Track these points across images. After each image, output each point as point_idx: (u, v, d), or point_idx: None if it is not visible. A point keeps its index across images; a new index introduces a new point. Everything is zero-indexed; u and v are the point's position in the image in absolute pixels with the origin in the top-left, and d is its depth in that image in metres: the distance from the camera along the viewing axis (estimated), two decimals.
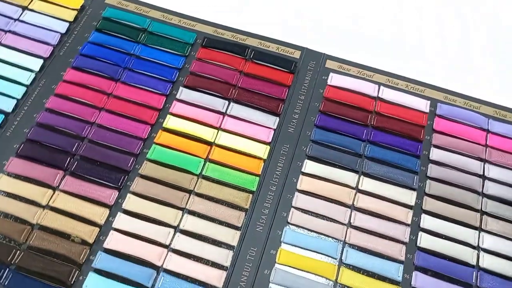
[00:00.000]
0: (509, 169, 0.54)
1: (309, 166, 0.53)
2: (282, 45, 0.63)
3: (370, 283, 0.46)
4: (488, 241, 0.49)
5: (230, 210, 0.50)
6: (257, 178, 0.52)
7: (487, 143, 0.56)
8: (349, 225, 0.50)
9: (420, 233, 0.50)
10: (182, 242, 0.47)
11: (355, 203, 0.51)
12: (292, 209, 0.50)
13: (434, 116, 0.58)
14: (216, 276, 0.46)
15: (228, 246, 0.48)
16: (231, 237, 0.48)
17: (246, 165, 0.53)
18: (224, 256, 0.47)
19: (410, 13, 0.72)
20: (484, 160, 0.55)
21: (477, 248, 0.49)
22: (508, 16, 0.72)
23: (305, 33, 0.67)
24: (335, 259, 0.48)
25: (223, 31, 0.63)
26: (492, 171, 0.54)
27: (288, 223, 0.50)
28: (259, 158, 0.53)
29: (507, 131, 0.57)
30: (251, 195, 0.51)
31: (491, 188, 0.53)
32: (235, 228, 0.49)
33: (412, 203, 0.51)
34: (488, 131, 0.57)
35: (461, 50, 0.68)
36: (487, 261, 0.48)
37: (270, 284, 0.46)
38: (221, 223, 0.49)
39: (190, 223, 0.48)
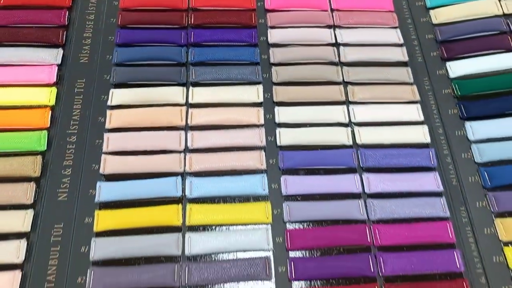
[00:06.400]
0: (360, 28, 0.44)
1: (117, 96, 0.39)
2: None
3: (231, 209, 0.34)
4: (359, 113, 0.39)
5: (12, 186, 0.34)
6: (45, 132, 0.36)
7: (332, 7, 0.46)
8: (187, 150, 0.37)
9: (279, 130, 0.39)
10: None
11: (189, 121, 0.38)
12: (104, 156, 0.36)
13: None
14: (6, 281, 0.31)
15: (18, 235, 0.33)
16: (21, 221, 0.33)
17: (25, 121, 0.37)
18: (13, 252, 0.33)
19: None
20: (333, 26, 0.45)
21: (349, 124, 0.40)
22: None
23: None
24: (176, 197, 0.35)
25: None
26: (345, 36, 0.43)
27: (103, 175, 0.36)
28: (44, 107, 0.38)
29: None
30: (39, 157, 0.35)
31: (348, 54, 0.43)
32: (24, 207, 0.34)
33: (260, 99, 0.40)
34: None
35: None
36: (364, 135, 0.38)
37: (92, 268, 0.32)
38: (3, 208, 0.34)
39: None
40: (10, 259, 0.31)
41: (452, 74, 0.42)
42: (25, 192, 0.34)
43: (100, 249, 0.32)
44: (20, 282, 0.31)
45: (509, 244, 0.35)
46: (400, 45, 0.44)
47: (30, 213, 0.33)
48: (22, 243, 0.32)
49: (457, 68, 0.42)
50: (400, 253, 0.34)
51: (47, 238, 0.33)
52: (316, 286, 0.33)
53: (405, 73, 0.42)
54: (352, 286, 0.33)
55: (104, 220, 0.33)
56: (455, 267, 0.34)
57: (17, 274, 0.31)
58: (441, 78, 0.42)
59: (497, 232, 0.35)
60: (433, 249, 0.34)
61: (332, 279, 0.33)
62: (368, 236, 0.34)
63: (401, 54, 0.43)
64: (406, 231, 0.35)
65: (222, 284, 0.32)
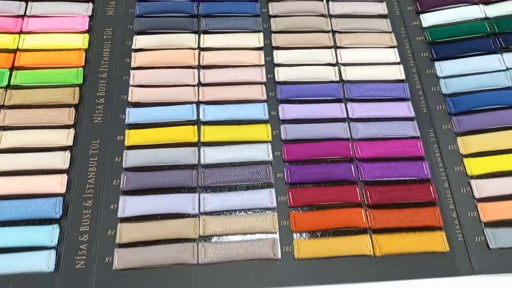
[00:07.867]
0: None
1: (140, 41, 0.46)
2: None
3: (233, 131, 0.41)
4: (345, 55, 0.46)
5: (56, 110, 0.42)
6: (81, 69, 0.43)
7: None
8: (200, 84, 0.44)
9: (277, 69, 0.46)
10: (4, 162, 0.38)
11: (201, 62, 0.46)
12: (131, 88, 0.43)
13: None
14: (56, 182, 0.38)
15: (63, 148, 0.40)
16: (65, 137, 0.40)
17: (64, 60, 0.44)
18: (60, 160, 0.40)
19: None
20: None
21: (336, 64, 0.47)
22: None
23: None
24: (192, 120, 0.42)
25: None
26: None
27: (130, 103, 0.43)
28: (78, 49, 0.45)
29: None
30: (77, 88, 0.43)
31: (336, 8, 0.51)
32: (67, 127, 0.41)
33: (261, 44, 0.47)
34: None
35: None
36: (349, 73, 0.45)
37: (124, 172, 0.39)
38: (49, 127, 0.41)
39: (10, 139, 0.39)
40: (58, 165, 0.39)
41: (424, 24, 0.49)
42: (67, 115, 0.41)
43: (131, 158, 0.40)
44: (67, 183, 0.38)
45: (468, 156, 0.42)
46: (381, 1, 0.51)
47: (71, 131, 0.40)
48: (67, 154, 0.39)
49: (429, 19, 0.49)
50: (378, 163, 0.41)
51: (87, 151, 0.40)
52: (308, 187, 0.40)
53: (385, 24, 0.49)
54: (337, 187, 0.40)
55: (133, 137, 0.41)
56: (423, 175, 0.41)
57: (64, 177, 0.38)
58: (415, 27, 0.49)
59: (458, 148, 0.42)
60: (405, 160, 0.42)
61: (321, 182, 0.40)
62: (351, 150, 0.41)
63: (381, 8, 0.50)
64: (383, 146, 0.42)
65: (230, 185, 0.39)
